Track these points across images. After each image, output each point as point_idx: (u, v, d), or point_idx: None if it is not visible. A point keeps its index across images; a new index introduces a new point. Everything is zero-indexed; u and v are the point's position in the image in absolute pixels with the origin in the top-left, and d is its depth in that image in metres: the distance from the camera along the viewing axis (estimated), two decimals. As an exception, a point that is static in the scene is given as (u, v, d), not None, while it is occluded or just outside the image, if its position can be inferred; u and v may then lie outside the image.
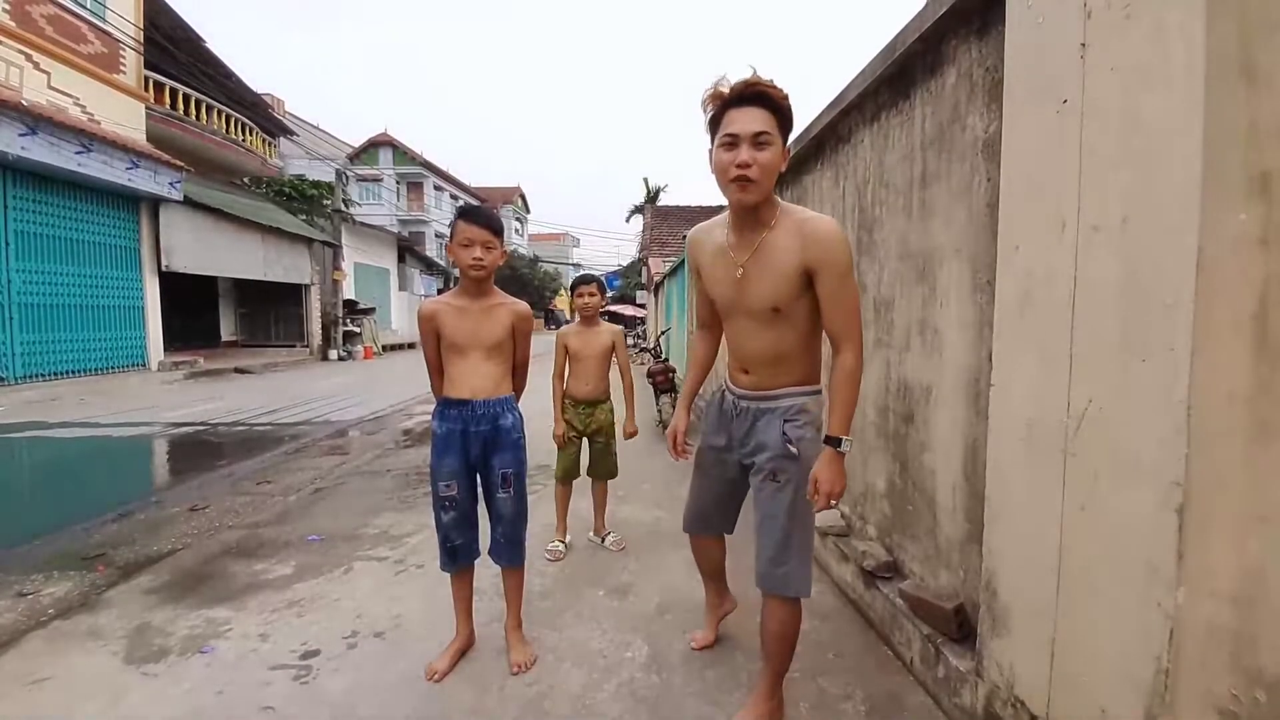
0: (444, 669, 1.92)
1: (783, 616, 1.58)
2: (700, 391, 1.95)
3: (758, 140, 1.35)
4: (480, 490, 2.03)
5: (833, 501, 1.45)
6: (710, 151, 1.47)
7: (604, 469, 3.09)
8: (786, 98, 1.38)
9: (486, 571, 2.21)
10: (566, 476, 3.03)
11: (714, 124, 1.43)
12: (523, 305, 2.06)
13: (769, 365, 1.55)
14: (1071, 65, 1.24)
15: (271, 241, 14.83)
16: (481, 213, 1.91)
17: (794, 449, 1.51)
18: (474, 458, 1.96)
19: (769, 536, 1.56)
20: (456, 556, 2.00)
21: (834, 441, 1.43)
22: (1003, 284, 1.48)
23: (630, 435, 3.05)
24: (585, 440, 3.04)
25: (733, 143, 1.37)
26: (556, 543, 2.94)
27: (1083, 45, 1.22)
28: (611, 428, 3.05)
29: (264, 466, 4.86)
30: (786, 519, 1.53)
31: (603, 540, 3.03)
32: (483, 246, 1.86)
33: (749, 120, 1.34)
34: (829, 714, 1.75)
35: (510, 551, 2.04)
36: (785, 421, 1.53)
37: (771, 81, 1.36)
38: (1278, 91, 0.93)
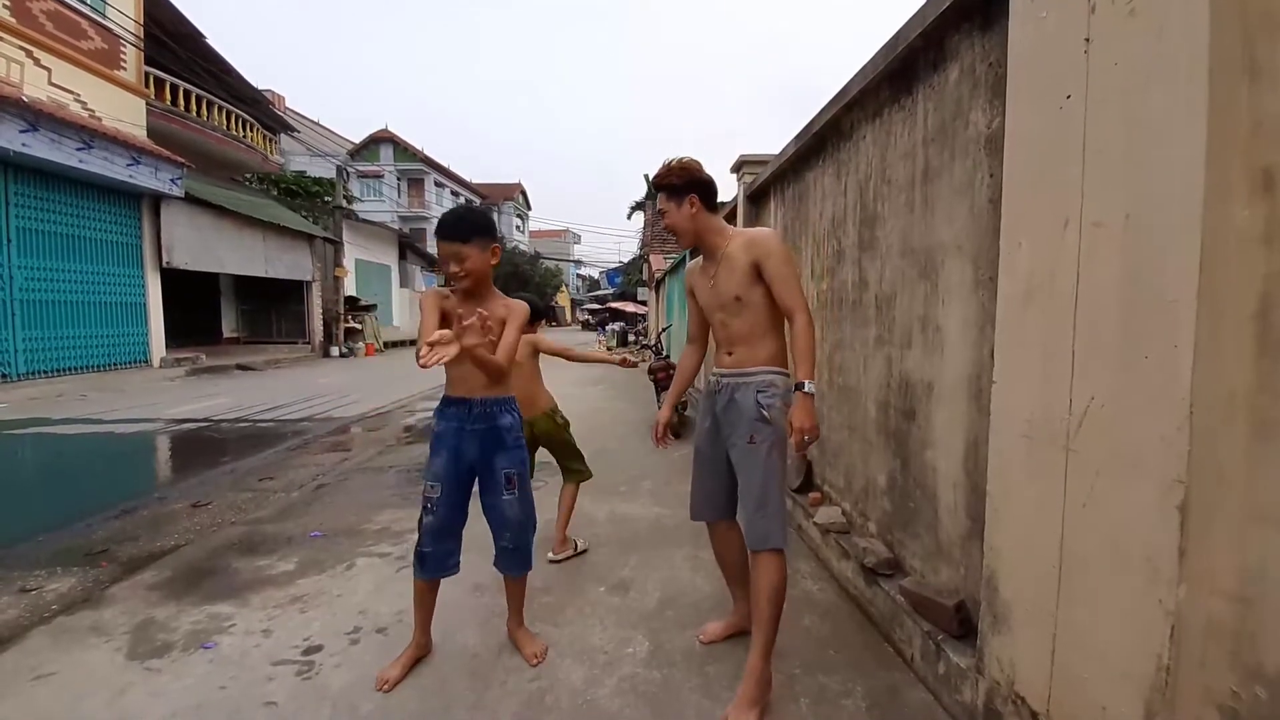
0: (396, 677, 1.86)
1: (769, 571, 1.79)
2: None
3: (661, 215, 1.97)
4: (481, 499, 1.98)
5: (806, 438, 1.73)
6: None
7: (576, 470, 2.89)
8: (669, 175, 1.92)
9: (486, 564, 2.21)
10: None
11: None
12: (520, 304, 2.00)
13: (743, 344, 1.90)
14: (1075, 61, 1.24)
15: (273, 238, 14.82)
16: (444, 224, 1.84)
17: (766, 414, 1.81)
18: (472, 458, 1.93)
19: (749, 495, 1.84)
20: (424, 564, 1.93)
21: (800, 385, 1.75)
22: (1005, 280, 1.47)
23: (623, 363, 2.98)
24: (550, 451, 2.88)
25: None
26: None
27: (1086, 41, 1.21)
28: (561, 430, 2.87)
29: (266, 463, 4.87)
30: (763, 475, 1.81)
31: (552, 559, 2.74)
32: (454, 260, 1.82)
33: (659, 203, 1.98)
34: (829, 710, 1.76)
35: (519, 560, 2.01)
36: (758, 393, 1.83)
37: (659, 173, 1.95)
38: (1282, 87, 0.92)
